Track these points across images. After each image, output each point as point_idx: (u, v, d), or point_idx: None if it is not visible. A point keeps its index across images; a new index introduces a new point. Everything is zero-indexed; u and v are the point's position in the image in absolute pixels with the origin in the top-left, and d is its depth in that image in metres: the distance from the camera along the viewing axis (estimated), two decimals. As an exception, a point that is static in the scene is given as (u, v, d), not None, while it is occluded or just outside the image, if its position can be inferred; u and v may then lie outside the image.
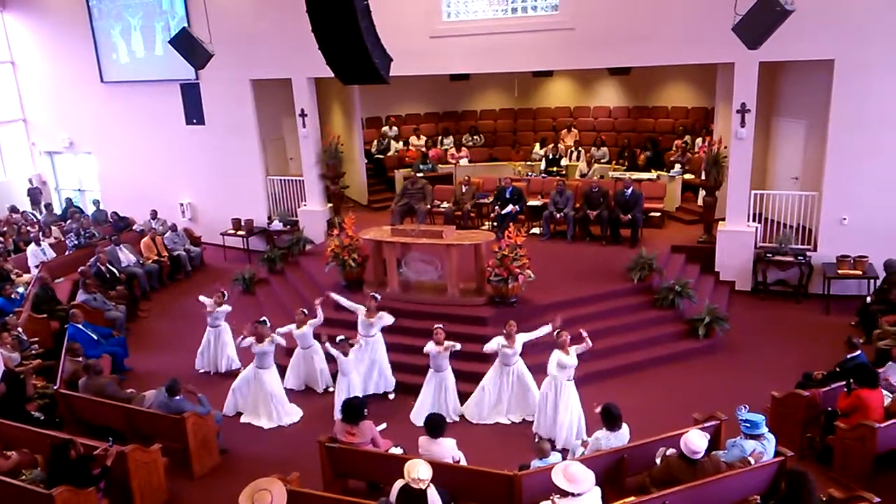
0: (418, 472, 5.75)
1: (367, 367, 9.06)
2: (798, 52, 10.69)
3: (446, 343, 8.36)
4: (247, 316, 11.59)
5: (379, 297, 9.41)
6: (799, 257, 11.30)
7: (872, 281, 10.86)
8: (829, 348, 8.41)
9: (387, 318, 9.09)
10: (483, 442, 8.15)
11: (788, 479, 5.38)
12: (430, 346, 8.44)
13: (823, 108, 11.10)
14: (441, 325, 8.52)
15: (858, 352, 7.96)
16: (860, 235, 10.99)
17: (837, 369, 7.93)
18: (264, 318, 9.19)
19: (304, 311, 9.50)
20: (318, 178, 14.37)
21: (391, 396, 9.31)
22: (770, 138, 13.35)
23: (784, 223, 11.89)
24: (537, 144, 16.45)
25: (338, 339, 8.69)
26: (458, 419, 8.61)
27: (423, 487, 5.72)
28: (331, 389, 9.25)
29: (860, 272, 10.89)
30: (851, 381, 7.13)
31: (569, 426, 7.84)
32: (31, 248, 13.56)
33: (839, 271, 10.95)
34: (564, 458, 6.72)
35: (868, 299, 10.30)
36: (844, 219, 11.14)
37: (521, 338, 8.33)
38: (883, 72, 10.53)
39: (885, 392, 7.35)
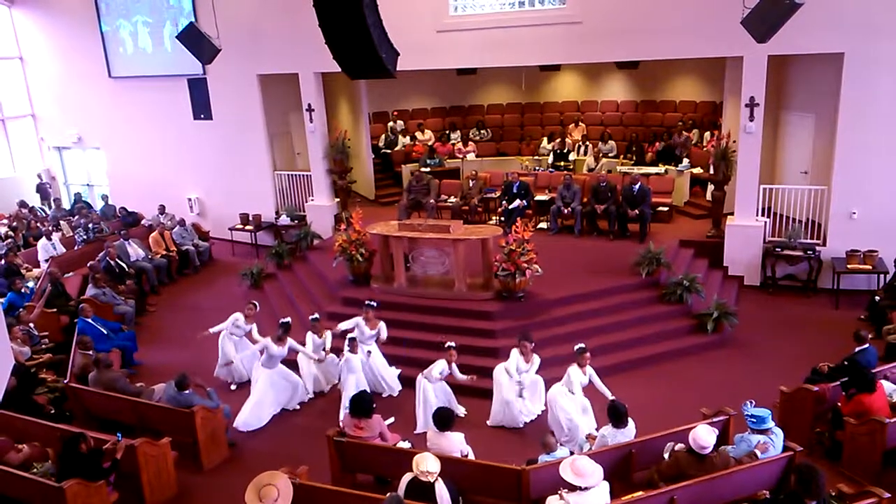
0: (427, 465, 5.78)
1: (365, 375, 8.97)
2: (807, 46, 10.62)
3: (455, 372, 8.27)
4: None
5: (376, 305, 9.24)
6: (808, 252, 11.25)
7: (882, 276, 10.81)
8: (839, 343, 8.38)
9: (384, 331, 9.08)
10: (491, 436, 8.16)
11: (797, 474, 5.36)
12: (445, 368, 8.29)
13: (832, 102, 11.02)
14: (453, 344, 8.37)
15: (867, 345, 7.91)
16: (870, 230, 10.93)
17: (845, 363, 7.90)
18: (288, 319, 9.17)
19: (316, 316, 9.60)
20: (325, 173, 14.39)
21: (395, 393, 9.32)
22: (779, 132, 13.28)
23: (793, 218, 11.83)
24: (545, 139, 16.41)
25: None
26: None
27: (432, 480, 5.75)
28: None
29: (869, 267, 10.83)
30: (852, 389, 7.11)
31: (579, 426, 7.84)
32: (42, 242, 13.64)
33: (848, 266, 10.89)
34: (572, 453, 6.72)
35: (877, 297, 10.22)
36: (854, 213, 11.08)
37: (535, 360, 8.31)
38: (893, 66, 10.44)
39: (892, 386, 7.33)
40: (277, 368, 8.83)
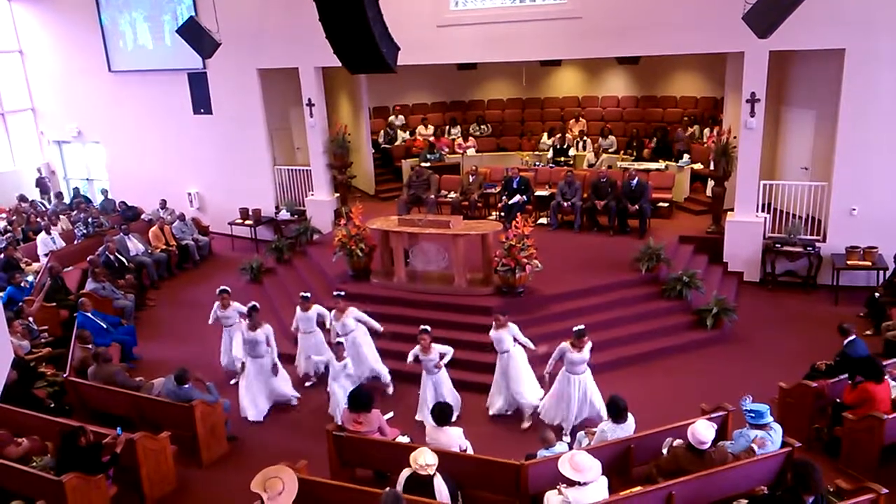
0: (425, 458, 5.79)
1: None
2: (808, 42, 10.59)
3: (435, 347, 8.13)
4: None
5: (344, 294, 9.17)
6: (808, 248, 11.25)
7: (882, 272, 10.81)
8: (838, 340, 8.39)
9: (355, 312, 8.95)
10: (489, 431, 8.17)
11: (795, 469, 5.37)
12: (415, 351, 8.20)
13: (833, 98, 11.00)
14: (428, 329, 8.18)
15: (853, 336, 7.92)
16: (869, 226, 10.93)
17: (837, 359, 7.92)
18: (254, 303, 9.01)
19: (307, 294, 9.47)
20: (325, 168, 14.37)
21: (389, 391, 9.19)
22: (779, 128, 13.26)
23: (793, 214, 11.83)
24: (545, 134, 16.39)
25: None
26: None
27: (431, 473, 5.76)
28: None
29: (869, 263, 10.82)
30: (857, 376, 7.11)
31: (578, 413, 7.84)
32: (42, 236, 13.64)
33: (848, 262, 10.89)
34: (571, 448, 6.73)
35: (877, 294, 10.22)
36: (854, 209, 11.07)
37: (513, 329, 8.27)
38: (894, 62, 10.41)
39: (893, 383, 7.33)
40: (265, 358, 8.74)
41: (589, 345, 7.81)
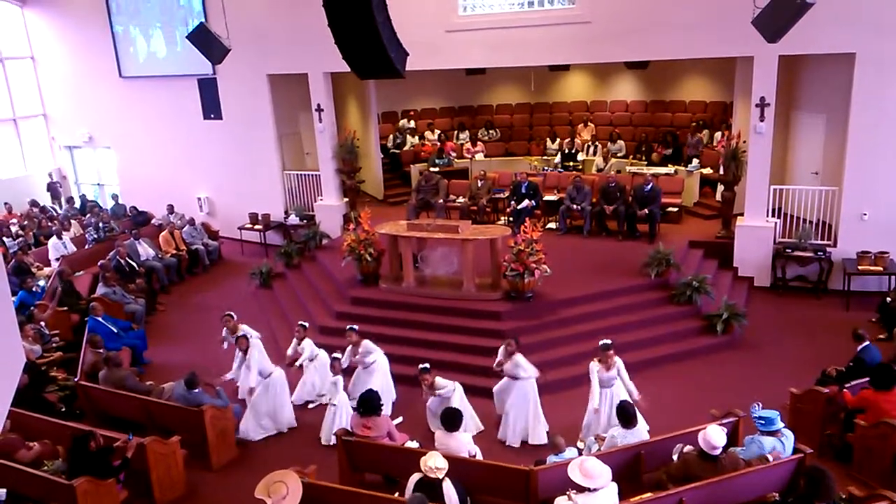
0: (435, 461, 5.80)
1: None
2: (818, 46, 10.55)
3: (438, 383, 7.98)
4: (264, 309, 11.70)
5: (356, 328, 8.82)
6: (818, 253, 11.18)
7: (893, 277, 10.73)
8: (849, 345, 8.34)
9: (370, 347, 8.68)
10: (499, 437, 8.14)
11: (807, 476, 5.33)
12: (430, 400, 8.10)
13: (844, 103, 10.95)
14: (428, 367, 8.05)
15: (867, 342, 7.87)
16: (881, 231, 10.86)
17: (851, 364, 7.87)
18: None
19: (304, 324, 9.32)
20: (334, 173, 14.41)
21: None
22: (789, 133, 13.19)
23: (804, 218, 11.77)
24: (548, 139, 16.38)
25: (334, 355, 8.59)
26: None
27: (440, 477, 5.75)
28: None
29: (881, 268, 10.75)
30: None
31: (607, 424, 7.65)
32: (53, 241, 13.74)
33: (859, 267, 10.82)
34: (580, 453, 6.71)
35: (889, 299, 10.15)
36: (865, 214, 11.00)
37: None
38: (905, 65, 10.37)
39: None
40: (269, 384, 8.57)
41: (618, 363, 7.65)
